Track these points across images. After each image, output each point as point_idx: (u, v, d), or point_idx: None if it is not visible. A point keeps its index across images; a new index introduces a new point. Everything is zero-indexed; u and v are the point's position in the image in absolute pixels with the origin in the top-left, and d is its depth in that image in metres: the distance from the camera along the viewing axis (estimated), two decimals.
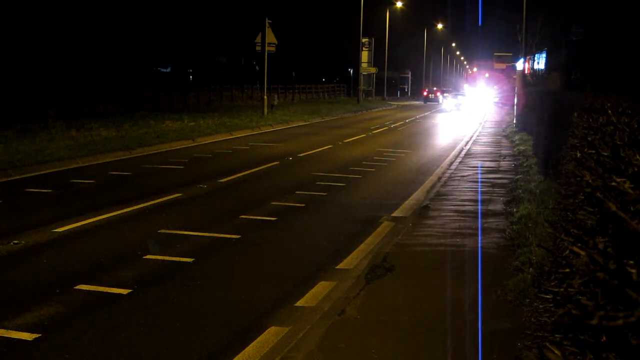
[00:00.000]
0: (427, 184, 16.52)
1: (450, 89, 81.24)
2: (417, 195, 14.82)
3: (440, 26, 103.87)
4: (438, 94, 73.84)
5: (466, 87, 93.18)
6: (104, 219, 11.36)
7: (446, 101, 61.92)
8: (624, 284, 1.46)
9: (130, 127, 26.72)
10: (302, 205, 13.11)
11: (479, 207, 12.96)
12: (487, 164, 20.51)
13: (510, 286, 7.44)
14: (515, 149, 23.87)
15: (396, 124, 38.25)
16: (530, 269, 7.70)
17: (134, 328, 6.63)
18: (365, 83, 73.75)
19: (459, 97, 62.95)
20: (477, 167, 19.61)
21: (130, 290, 7.71)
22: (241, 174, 16.89)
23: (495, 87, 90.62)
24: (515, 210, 11.88)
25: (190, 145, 23.70)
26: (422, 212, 12.40)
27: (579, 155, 4.74)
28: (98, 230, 10.63)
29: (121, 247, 9.64)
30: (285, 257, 9.39)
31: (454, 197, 14.22)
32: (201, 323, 6.81)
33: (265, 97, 38.91)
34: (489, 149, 25.42)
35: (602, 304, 1.50)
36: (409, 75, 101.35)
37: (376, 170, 18.69)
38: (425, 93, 78.48)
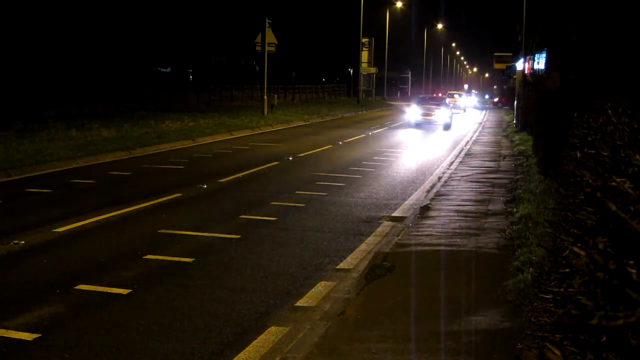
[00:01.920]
0: (427, 183, 16.52)
1: (453, 91, 77.15)
2: (417, 195, 14.83)
3: (440, 26, 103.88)
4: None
5: (451, 91, 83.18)
6: (104, 219, 11.36)
7: (410, 110, 36.43)
8: (624, 284, 1.46)
9: (130, 127, 26.72)
10: (302, 205, 13.11)
11: (479, 207, 12.96)
12: (487, 163, 20.51)
13: (510, 286, 7.44)
14: (515, 149, 23.88)
15: (396, 124, 38.23)
16: (530, 269, 7.71)
17: (134, 328, 6.63)
18: (365, 83, 73.73)
19: (432, 105, 36.95)
20: (477, 167, 19.61)
21: (130, 290, 7.71)
22: (241, 174, 16.89)
23: (495, 87, 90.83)
24: (515, 210, 11.88)
25: (190, 145, 23.70)
26: (422, 212, 12.40)
27: (579, 155, 4.74)
28: (98, 230, 10.63)
29: (121, 247, 9.64)
30: (285, 257, 9.39)
31: (454, 197, 14.22)
32: (201, 323, 6.81)
33: (265, 97, 38.90)
34: (489, 149, 25.42)
35: (602, 304, 1.50)
36: (409, 75, 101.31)
37: (376, 170, 18.68)
38: (440, 94, 79.37)
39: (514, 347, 5.80)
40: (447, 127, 35.09)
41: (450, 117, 36.35)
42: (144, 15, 52.28)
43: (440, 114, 35.11)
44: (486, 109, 68.48)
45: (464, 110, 57.61)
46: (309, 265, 9.00)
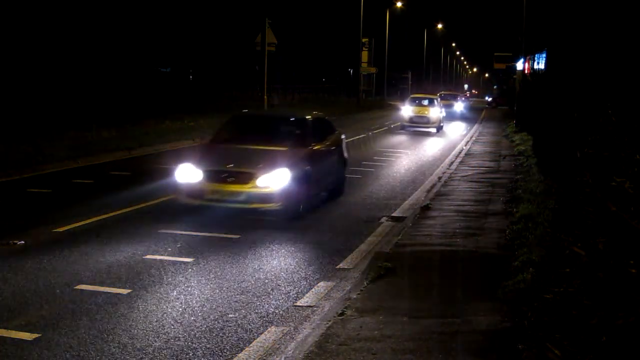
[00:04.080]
0: (427, 183, 16.53)
1: (420, 94, 42.79)
2: (417, 195, 14.83)
3: (440, 26, 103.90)
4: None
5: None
6: (104, 218, 11.36)
7: (182, 170, 11.68)
8: (624, 284, 1.46)
9: (130, 127, 26.71)
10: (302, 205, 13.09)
11: (479, 207, 12.95)
12: (487, 163, 20.51)
13: (510, 286, 7.43)
14: (515, 149, 23.87)
15: (396, 124, 38.21)
16: (530, 269, 7.70)
17: (134, 328, 6.63)
18: (365, 83, 73.78)
19: (259, 147, 12.25)
20: (477, 166, 19.61)
21: (130, 290, 7.71)
22: None
23: (495, 87, 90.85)
24: (515, 210, 11.88)
25: (190, 145, 23.67)
26: (422, 211, 12.40)
27: (579, 155, 4.74)
28: (98, 230, 10.62)
29: (121, 247, 9.63)
30: (285, 257, 9.39)
31: (454, 196, 14.21)
32: (201, 323, 6.81)
33: (265, 97, 38.90)
34: (489, 149, 25.41)
35: (602, 304, 1.50)
36: (409, 76, 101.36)
37: (376, 170, 18.68)
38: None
39: (514, 347, 5.80)
40: (289, 215, 11.56)
41: (297, 190, 11.65)
42: (144, 15, 52.28)
43: (271, 179, 11.31)
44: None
45: (437, 129, 34.64)
46: (309, 265, 9.01)
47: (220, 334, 6.54)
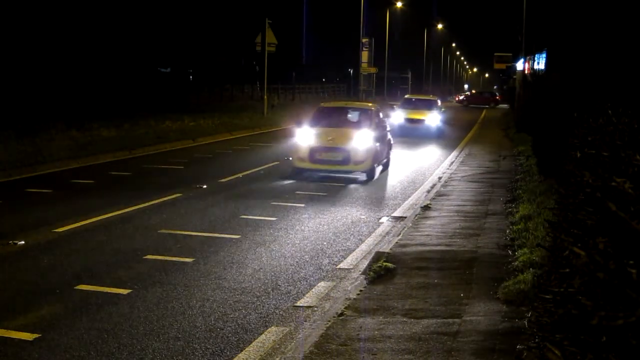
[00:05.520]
0: (427, 183, 16.52)
1: (334, 103, 26.47)
2: (418, 195, 14.83)
3: (440, 26, 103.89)
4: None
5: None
6: (104, 219, 11.36)
7: None
8: (624, 284, 1.46)
9: (130, 127, 26.72)
10: (302, 205, 13.11)
11: (479, 207, 12.95)
12: (487, 164, 20.50)
13: (510, 286, 7.43)
14: (515, 149, 23.86)
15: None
16: (531, 269, 7.71)
17: (134, 328, 6.63)
18: (365, 83, 73.68)
19: None
20: (477, 167, 19.61)
21: (130, 290, 7.71)
22: (241, 174, 16.89)
23: (495, 87, 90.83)
24: (515, 210, 11.88)
25: (190, 145, 23.69)
26: (422, 211, 12.40)
27: (579, 155, 4.73)
28: (98, 230, 10.63)
29: (121, 247, 9.64)
30: (285, 257, 9.39)
31: (454, 197, 14.21)
32: (201, 323, 6.81)
33: (265, 97, 38.93)
34: (488, 149, 25.40)
35: (602, 304, 1.50)
36: (409, 76, 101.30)
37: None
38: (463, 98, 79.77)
39: (514, 347, 5.80)
40: None
41: None
42: (144, 15, 52.27)
43: None
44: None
45: (369, 174, 16.63)
46: (309, 265, 9.01)
47: (220, 334, 6.54)
